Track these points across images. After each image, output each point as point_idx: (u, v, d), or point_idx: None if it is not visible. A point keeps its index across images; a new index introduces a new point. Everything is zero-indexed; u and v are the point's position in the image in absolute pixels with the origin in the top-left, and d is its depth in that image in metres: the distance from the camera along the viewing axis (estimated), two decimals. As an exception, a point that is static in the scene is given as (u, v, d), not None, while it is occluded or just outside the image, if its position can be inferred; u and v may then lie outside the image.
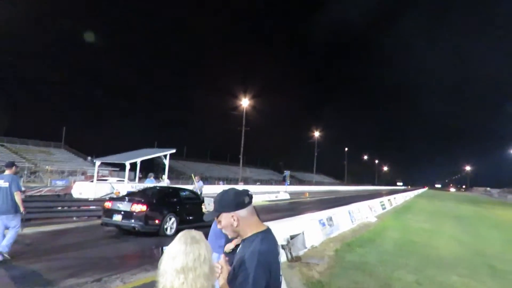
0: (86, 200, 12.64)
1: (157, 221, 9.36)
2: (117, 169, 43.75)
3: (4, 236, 6.48)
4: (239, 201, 1.66)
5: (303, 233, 8.13)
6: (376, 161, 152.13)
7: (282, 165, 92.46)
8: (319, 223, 9.58)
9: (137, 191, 11.18)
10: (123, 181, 17.54)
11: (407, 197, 38.32)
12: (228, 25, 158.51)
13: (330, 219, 10.65)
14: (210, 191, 32.37)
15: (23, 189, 7.38)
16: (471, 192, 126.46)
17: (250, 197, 1.73)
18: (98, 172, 18.06)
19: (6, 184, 6.45)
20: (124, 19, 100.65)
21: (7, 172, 6.69)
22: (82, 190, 14.48)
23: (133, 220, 9.05)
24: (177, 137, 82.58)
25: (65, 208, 11.95)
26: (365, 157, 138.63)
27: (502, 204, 45.48)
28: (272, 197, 27.71)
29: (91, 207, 12.41)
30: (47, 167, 40.24)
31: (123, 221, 9.17)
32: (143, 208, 9.14)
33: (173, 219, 9.80)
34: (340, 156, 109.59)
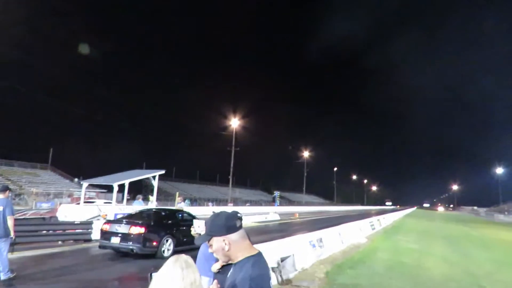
0: (72, 223, 12.35)
1: (154, 243, 9.36)
2: (105, 190, 43.02)
3: None
4: (230, 225, 1.66)
5: (293, 255, 8.06)
6: (365, 181, 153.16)
7: (272, 186, 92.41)
8: (310, 245, 9.53)
9: (134, 213, 11.08)
10: (111, 203, 17.26)
11: (396, 217, 38.40)
12: (217, 46, 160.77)
13: (320, 240, 10.60)
14: (200, 212, 32.02)
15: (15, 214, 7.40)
16: (458, 211, 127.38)
17: (241, 220, 1.75)
18: (85, 194, 17.74)
19: (0, 208, 6.55)
20: (114, 38, 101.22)
21: (0, 196, 6.75)
22: (68, 212, 14.17)
23: (131, 243, 9.05)
24: (166, 158, 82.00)
25: (50, 231, 11.65)
26: (354, 177, 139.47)
27: (489, 223, 45.92)
28: (262, 218, 27.46)
29: (77, 231, 12.13)
30: (32, 189, 39.35)
31: (121, 243, 9.14)
32: (141, 230, 9.16)
33: (170, 241, 9.78)
34: (329, 176, 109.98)
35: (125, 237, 9.17)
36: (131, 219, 10.10)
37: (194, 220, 4.00)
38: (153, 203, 16.76)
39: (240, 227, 1.70)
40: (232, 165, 45.79)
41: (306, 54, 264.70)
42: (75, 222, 12.42)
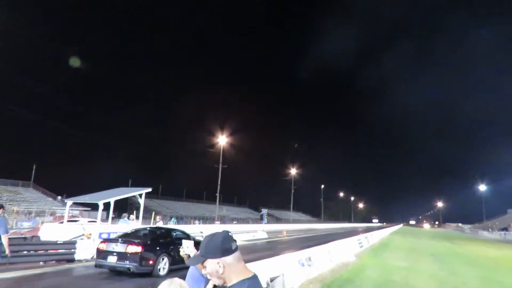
0: (54, 243, 11.97)
1: (151, 262, 9.42)
2: (89, 208, 42.09)
3: None
4: (226, 247, 1.63)
5: (283, 275, 7.95)
6: (352, 198, 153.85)
7: (259, 203, 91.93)
8: (299, 263, 9.43)
9: (129, 232, 11.13)
10: (95, 221, 16.85)
11: (383, 234, 38.52)
12: (205, 62, 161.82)
13: (309, 259, 10.52)
14: (186, 230, 31.50)
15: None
16: (444, 228, 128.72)
17: (236, 242, 1.73)
18: (68, 213, 17.28)
19: None
20: (99, 54, 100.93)
21: None
22: (51, 232, 13.75)
23: (128, 261, 9.10)
24: (152, 175, 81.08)
25: (31, 252, 11.25)
26: (341, 194, 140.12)
27: (474, 240, 46.40)
28: (250, 236, 27.19)
29: (59, 251, 11.77)
30: (13, 207, 38.21)
31: (118, 262, 9.19)
32: (138, 249, 9.21)
33: (165, 259, 9.81)
34: (316, 193, 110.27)
35: (121, 256, 9.20)
36: (127, 238, 10.04)
37: (183, 241, 3.94)
38: (135, 222, 16.47)
39: (236, 249, 1.68)
40: (219, 182, 45.50)
41: (295, 72, 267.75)
42: (58, 242, 12.05)
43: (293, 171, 75.84)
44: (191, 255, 3.81)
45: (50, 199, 46.78)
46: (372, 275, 11.45)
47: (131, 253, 9.15)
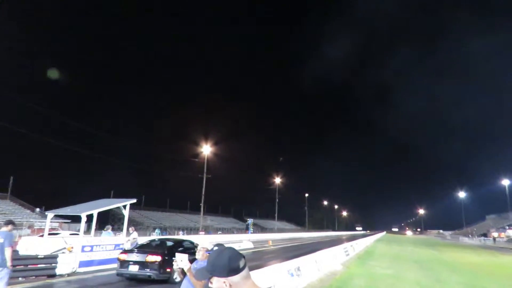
0: (35, 257, 11.50)
1: (168, 270, 10.28)
2: (69, 221, 40.95)
3: None
4: (233, 267, 1.56)
5: (274, 286, 7.87)
6: (336, 206, 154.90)
7: (243, 213, 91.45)
8: (288, 274, 9.36)
9: (145, 243, 12.40)
10: (78, 234, 16.36)
11: (367, 242, 38.82)
12: (192, 74, 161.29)
13: (298, 269, 10.46)
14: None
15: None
16: (425, 235, 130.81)
17: (245, 258, 1.66)
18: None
19: (1, 240, 7.16)
20: (82, 64, 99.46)
21: (4, 229, 7.38)
22: (30, 245, 13.24)
23: (148, 270, 10.09)
24: (134, 186, 79.54)
25: (10, 267, 10.78)
26: (325, 203, 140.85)
27: (455, 246, 47.29)
28: (236, 246, 26.82)
29: (40, 265, 11.32)
30: (-12, 220, 36.76)
31: (139, 271, 10.16)
32: (158, 258, 10.17)
33: None
34: (300, 203, 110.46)
35: (142, 265, 10.17)
36: (145, 249, 11.12)
37: (177, 254, 3.86)
38: (135, 233, 16.36)
39: (244, 267, 1.61)
40: (203, 192, 45.02)
41: (284, 83, 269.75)
42: (39, 256, 11.59)
43: (277, 180, 75.84)
44: (185, 269, 3.73)
45: (28, 211, 45.25)
46: (359, 283, 11.46)
47: (151, 262, 10.09)
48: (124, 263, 10.44)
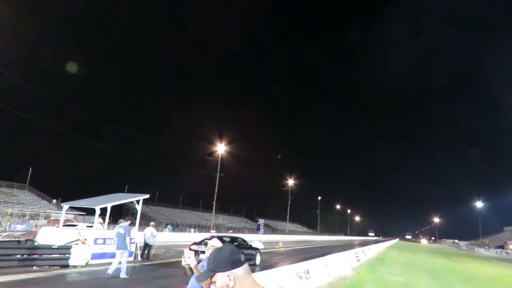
0: (49, 247, 11.77)
1: None
2: (84, 213, 41.75)
3: None
4: (235, 259, 1.55)
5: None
6: (349, 211, 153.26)
7: (255, 213, 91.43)
8: (297, 276, 9.32)
9: (208, 238, 13.32)
10: (92, 226, 16.65)
11: (379, 248, 38.28)
12: (206, 71, 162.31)
13: (307, 271, 10.40)
14: (182, 238, 31.25)
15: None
16: (440, 244, 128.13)
17: (244, 254, 1.67)
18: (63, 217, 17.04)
19: (123, 231, 9.14)
20: (99, 59, 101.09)
21: (124, 223, 9.31)
22: (49, 236, 13.54)
23: None
24: (149, 181, 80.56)
25: (25, 256, 11.07)
26: (338, 206, 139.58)
27: (470, 257, 46.22)
28: (246, 246, 26.92)
29: (54, 255, 11.59)
30: (7, 209, 37.83)
31: None
32: None
33: None
34: (313, 205, 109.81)
35: None
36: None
37: (185, 250, 3.88)
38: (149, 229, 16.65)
39: (245, 261, 1.61)
40: (216, 190, 45.27)
41: (298, 80, 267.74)
42: (53, 247, 11.86)
43: (291, 182, 75.61)
44: (192, 266, 3.75)
45: (45, 202, 46.33)
46: (370, 290, 11.32)
47: None
48: (195, 253, 11.68)
